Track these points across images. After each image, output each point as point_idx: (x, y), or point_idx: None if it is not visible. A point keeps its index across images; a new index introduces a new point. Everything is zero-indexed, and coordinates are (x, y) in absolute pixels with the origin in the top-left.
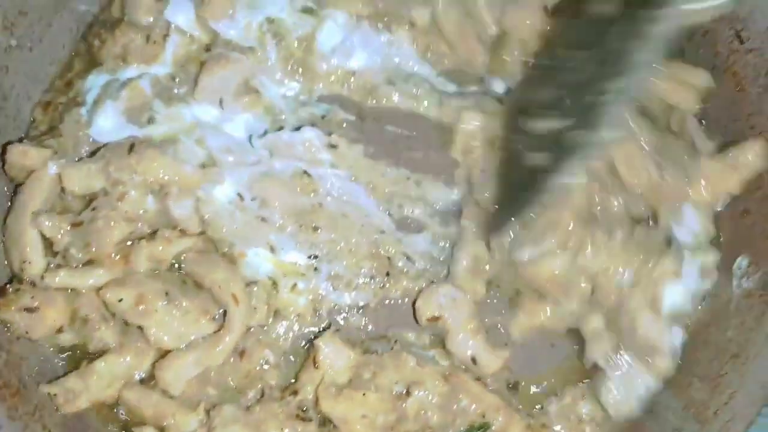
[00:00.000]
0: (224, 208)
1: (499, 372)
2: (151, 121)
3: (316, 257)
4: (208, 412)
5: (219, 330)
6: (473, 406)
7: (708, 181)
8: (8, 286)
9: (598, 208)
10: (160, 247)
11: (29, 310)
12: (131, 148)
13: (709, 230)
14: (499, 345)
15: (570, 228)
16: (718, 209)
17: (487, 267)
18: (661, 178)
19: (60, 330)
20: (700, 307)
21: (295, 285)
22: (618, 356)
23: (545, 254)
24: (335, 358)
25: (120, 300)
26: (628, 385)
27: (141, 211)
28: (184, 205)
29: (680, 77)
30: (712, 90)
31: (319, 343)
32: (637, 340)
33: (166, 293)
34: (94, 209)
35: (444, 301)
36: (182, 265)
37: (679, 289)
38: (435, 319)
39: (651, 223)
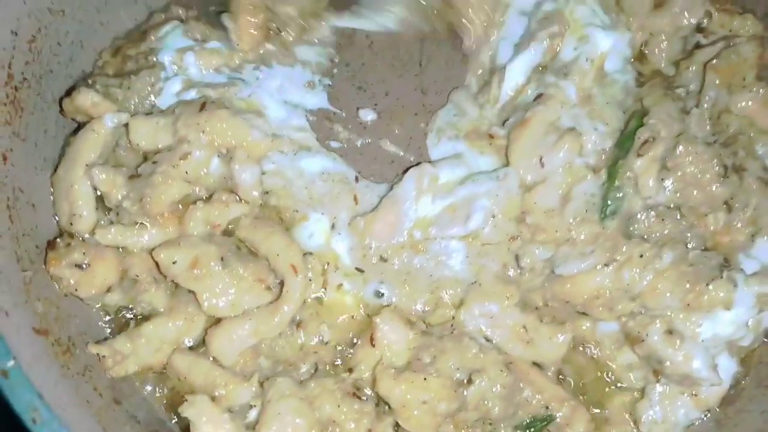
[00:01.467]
0: (308, 175)
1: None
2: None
3: (361, 272)
4: (261, 384)
5: (275, 300)
6: (537, 397)
7: None
8: (58, 240)
9: (645, 224)
10: (217, 211)
11: (79, 266)
12: (203, 106)
13: None
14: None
15: (616, 242)
16: None
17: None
18: (729, 220)
19: (109, 289)
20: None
21: (341, 285)
22: (658, 383)
23: (589, 269)
24: (394, 337)
25: (174, 262)
26: (668, 410)
27: (202, 173)
28: (249, 171)
29: None
30: None
31: (377, 320)
32: (677, 367)
33: (222, 258)
34: (154, 163)
35: (483, 322)
36: (237, 232)
37: (730, 319)
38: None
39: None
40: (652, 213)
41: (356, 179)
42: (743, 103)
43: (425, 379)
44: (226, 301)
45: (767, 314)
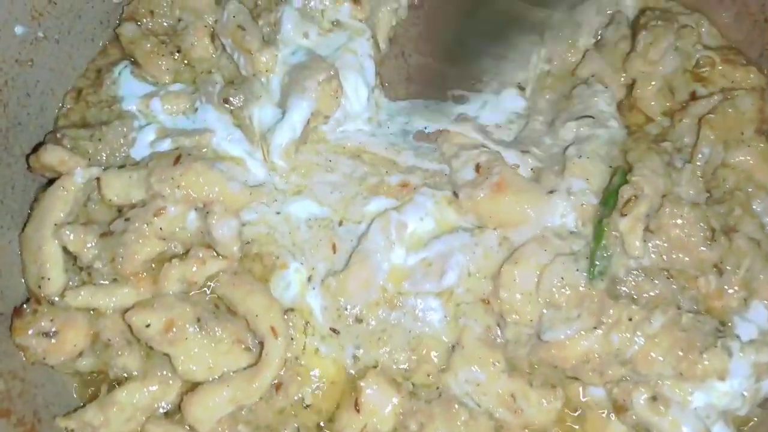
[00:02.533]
0: (294, 221)
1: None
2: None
3: (337, 333)
4: None
5: (254, 362)
6: None
7: None
8: (25, 306)
9: (631, 284)
10: (193, 268)
11: (47, 334)
12: (177, 159)
13: None
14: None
15: (603, 304)
16: None
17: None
18: (720, 284)
19: (80, 355)
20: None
21: (317, 350)
22: None
23: (577, 334)
24: (379, 402)
25: (147, 325)
26: None
27: (177, 229)
28: (228, 226)
29: None
30: None
31: (362, 384)
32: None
33: (198, 319)
34: (127, 220)
35: (470, 389)
36: (214, 289)
37: (725, 390)
38: None
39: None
40: (642, 273)
41: (339, 223)
42: (741, 158)
43: None
44: (202, 365)
45: (765, 383)
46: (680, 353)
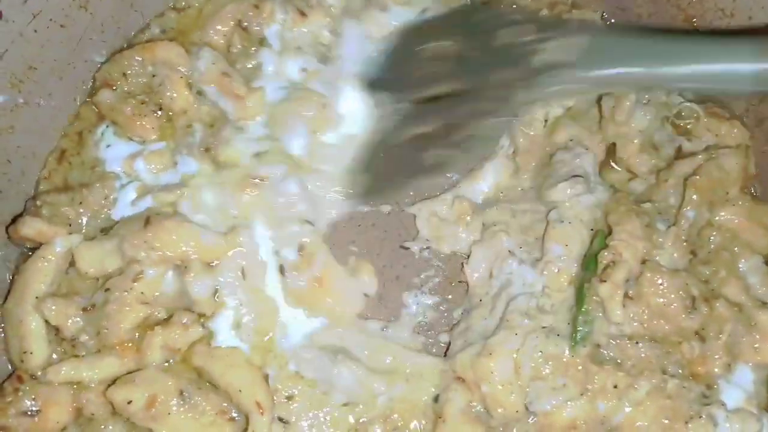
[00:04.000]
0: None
1: None
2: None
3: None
4: None
5: None
6: None
7: None
8: (6, 384)
9: (615, 350)
10: (176, 335)
11: (29, 413)
12: (147, 221)
13: (763, 395)
14: None
15: (587, 371)
16: None
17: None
18: (703, 351)
19: (63, 430)
20: None
21: None
22: None
23: (563, 403)
24: None
25: (129, 402)
26: None
27: (157, 293)
28: (204, 283)
29: (757, 216)
30: None
31: None
32: None
33: (181, 392)
34: (107, 290)
35: None
36: (193, 359)
37: None
38: None
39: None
40: (625, 338)
41: None
42: (727, 217)
43: None
44: None
45: None
46: (666, 421)
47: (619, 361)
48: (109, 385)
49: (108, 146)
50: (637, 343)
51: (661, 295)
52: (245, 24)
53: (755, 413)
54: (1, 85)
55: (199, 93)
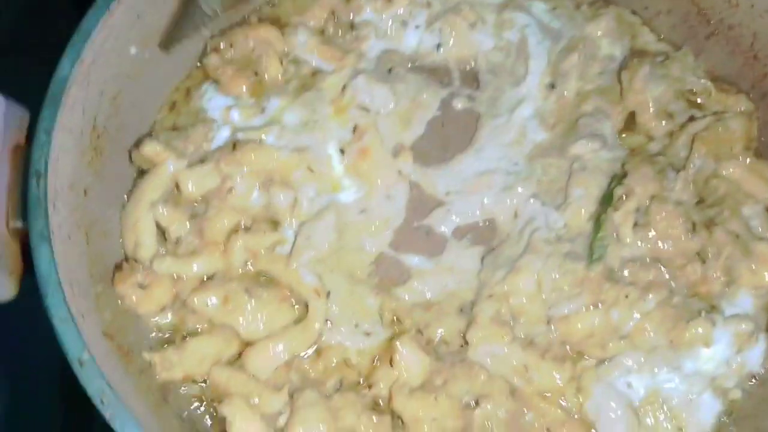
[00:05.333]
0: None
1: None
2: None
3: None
4: (291, 394)
5: (302, 318)
6: (539, 420)
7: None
8: (124, 263)
9: (627, 272)
10: (255, 239)
11: (141, 286)
12: (234, 146)
13: (762, 317)
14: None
15: (601, 284)
16: None
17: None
18: (704, 270)
19: (162, 308)
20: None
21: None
22: None
23: (579, 311)
24: (411, 361)
25: (208, 304)
26: None
27: (247, 203)
28: (284, 195)
29: (758, 170)
30: None
31: (397, 344)
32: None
33: (247, 290)
34: (206, 202)
35: (488, 359)
36: (256, 265)
37: (710, 355)
38: None
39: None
40: (636, 263)
41: None
42: (731, 170)
43: (436, 398)
44: (258, 326)
45: (749, 356)
46: (670, 324)
47: (629, 281)
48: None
49: (210, 99)
50: (646, 265)
51: (665, 219)
52: (338, 13)
53: (750, 317)
54: (135, 40)
55: (295, 61)
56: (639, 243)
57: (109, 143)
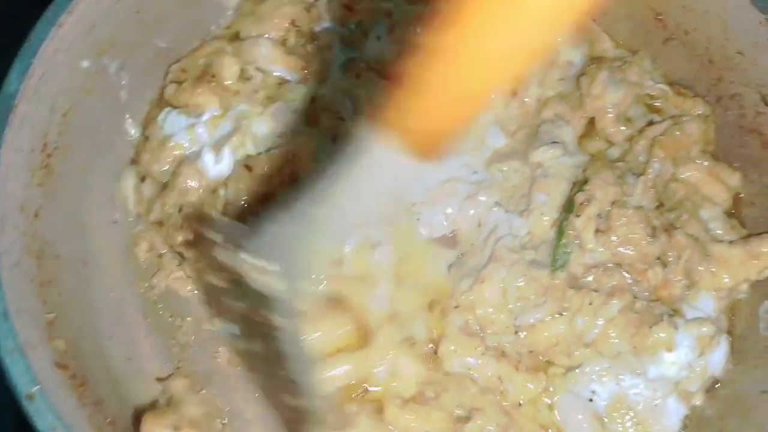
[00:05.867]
0: None
1: None
2: None
3: None
4: None
5: None
6: None
7: (727, 269)
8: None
9: (590, 278)
10: None
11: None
12: None
13: (722, 320)
14: None
15: (565, 292)
16: (739, 297)
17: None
18: (665, 274)
19: None
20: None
21: None
22: None
23: (544, 320)
24: (406, 371)
25: None
26: None
27: None
28: None
29: (715, 173)
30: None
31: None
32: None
33: None
34: None
35: (465, 371)
36: None
37: (672, 359)
38: None
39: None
40: (599, 268)
41: None
42: (689, 173)
43: (428, 411)
44: None
45: (711, 359)
46: (633, 330)
47: (593, 288)
48: None
49: (172, 124)
50: (609, 270)
51: (626, 224)
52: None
53: (712, 320)
54: (88, 53)
55: (261, 71)
56: (601, 249)
57: (61, 162)
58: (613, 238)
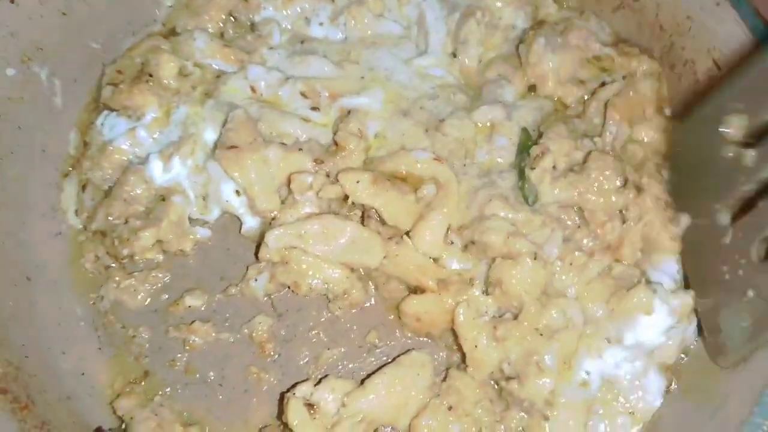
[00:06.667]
0: None
1: None
2: None
3: None
4: None
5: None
6: None
7: None
8: None
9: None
10: None
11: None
12: None
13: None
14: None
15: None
16: None
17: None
18: (623, 231)
19: None
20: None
21: None
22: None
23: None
24: None
25: (357, 182)
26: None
27: None
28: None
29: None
30: None
31: None
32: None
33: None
34: None
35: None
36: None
37: (650, 323)
38: None
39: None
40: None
41: None
42: (646, 134)
43: None
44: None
45: (689, 330)
46: (610, 293)
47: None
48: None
49: (111, 128)
50: (568, 209)
51: (601, 169)
52: (236, 15)
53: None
54: (13, 60)
55: (200, 66)
56: (562, 195)
57: None
58: (583, 179)
